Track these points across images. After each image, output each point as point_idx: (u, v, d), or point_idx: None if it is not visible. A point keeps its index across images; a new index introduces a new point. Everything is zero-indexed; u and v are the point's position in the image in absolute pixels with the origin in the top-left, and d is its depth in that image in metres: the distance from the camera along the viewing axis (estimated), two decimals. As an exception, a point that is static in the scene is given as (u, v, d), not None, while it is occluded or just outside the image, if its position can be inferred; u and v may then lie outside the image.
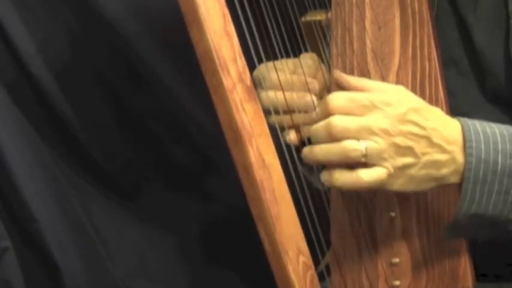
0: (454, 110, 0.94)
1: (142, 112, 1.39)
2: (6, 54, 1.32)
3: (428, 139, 0.83)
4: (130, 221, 1.42)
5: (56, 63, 1.34)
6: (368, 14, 0.98)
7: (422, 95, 0.93)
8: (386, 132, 0.81)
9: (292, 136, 0.95)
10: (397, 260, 0.92)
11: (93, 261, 1.38)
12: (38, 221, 1.31)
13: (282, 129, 0.95)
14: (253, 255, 1.23)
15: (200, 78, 0.84)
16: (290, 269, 0.84)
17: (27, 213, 1.31)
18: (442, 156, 0.83)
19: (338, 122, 0.81)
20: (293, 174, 0.87)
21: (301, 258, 0.85)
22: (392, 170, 0.82)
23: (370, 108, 0.82)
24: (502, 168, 0.83)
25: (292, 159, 0.88)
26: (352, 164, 0.82)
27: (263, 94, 0.95)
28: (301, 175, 0.89)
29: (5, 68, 1.32)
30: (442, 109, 0.93)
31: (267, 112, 0.95)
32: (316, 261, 0.89)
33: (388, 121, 0.82)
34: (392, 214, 0.92)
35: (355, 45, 0.97)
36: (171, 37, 1.29)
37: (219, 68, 0.80)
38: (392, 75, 0.95)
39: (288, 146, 0.90)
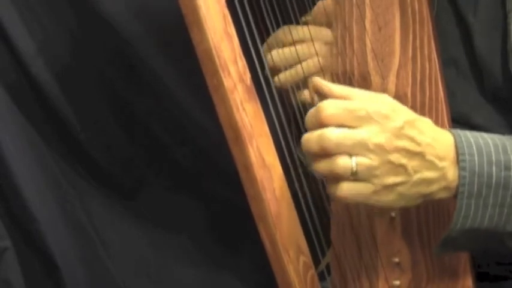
0: (454, 110, 0.95)
1: (142, 112, 1.39)
2: (7, 55, 1.32)
3: (421, 156, 0.80)
4: (130, 221, 1.42)
5: (57, 64, 1.34)
6: (368, 14, 0.98)
7: (422, 95, 0.94)
8: (382, 148, 0.78)
9: (306, 94, 0.94)
10: (397, 259, 0.92)
11: (93, 261, 1.38)
12: (38, 221, 1.31)
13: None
14: (254, 254, 1.24)
15: (201, 79, 0.84)
16: (291, 268, 0.84)
17: (27, 213, 1.31)
18: (433, 174, 0.81)
19: (332, 136, 0.77)
20: (293, 174, 0.87)
21: (302, 258, 0.86)
22: (379, 187, 0.79)
23: (366, 119, 0.78)
24: (496, 180, 0.81)
25: (292, 159, 0.88)
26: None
27: (274, 53, 0.97)
28: (300, 171, 0.89)
29: (5, 68, 1.32)
30: (442, 109, 0.93)
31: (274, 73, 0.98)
32: (316, 261, 0.89)
33: (385, 136, 0.78)
34: (393, 214, 0.92)
35: (355, 46, 0.97)
36: (172, 38, 1.29)
37: (220, 69, 0.80)
38: (392, 76, 0.95)
39: (288, 145, 0.90)
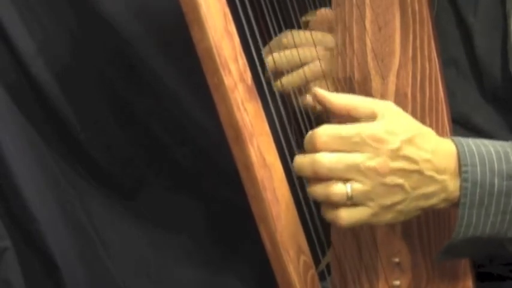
0: (454, 110, 0.95)
1: (142, 112, 1.39)
2: (7, 55, 1.32)
3: (419, 173, 0.80)
4: (130, 221, 1.42)
5: (57, 64, 1.34)
6: (368, 14, 0.98)
7: (422, 96, 0.94)
8: (376, 172, 0.78)
9: (308, 99, 0.95)
10: (397, 260, 0.92)
11: (93, 261, 1.38)
12: (38, 221, 1.31)
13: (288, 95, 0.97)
14: (254, 254, 1.24)
15: (201, 79, 0.84)
16: (291, 268, 0.84)
17: (27, 213, 1.30)
18: (432, 188, 0.81)
19: (324, 160, 0.77)
20: (294, 174, 0.87)
21: (302, 258, 0.86)
22: (378, 209, 0.79)
23: (361, 145, 0.78)
24: (498, 189, 0.81)
25: (293, 159, 0.88)
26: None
27: (275, 55, 0.99)
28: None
29: (5, 68, 1.32)
30: (442, 109, 0.93)
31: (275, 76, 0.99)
32: (316, 261, 0.89)
33: (379, 160, 0.78)
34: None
35: (355, 45, 0.98)
36: (172, 38, 1.29)
37: (220, 67, 0.80)
38: (392, 76, 0.95)
39: (288, 145, 0.90)
